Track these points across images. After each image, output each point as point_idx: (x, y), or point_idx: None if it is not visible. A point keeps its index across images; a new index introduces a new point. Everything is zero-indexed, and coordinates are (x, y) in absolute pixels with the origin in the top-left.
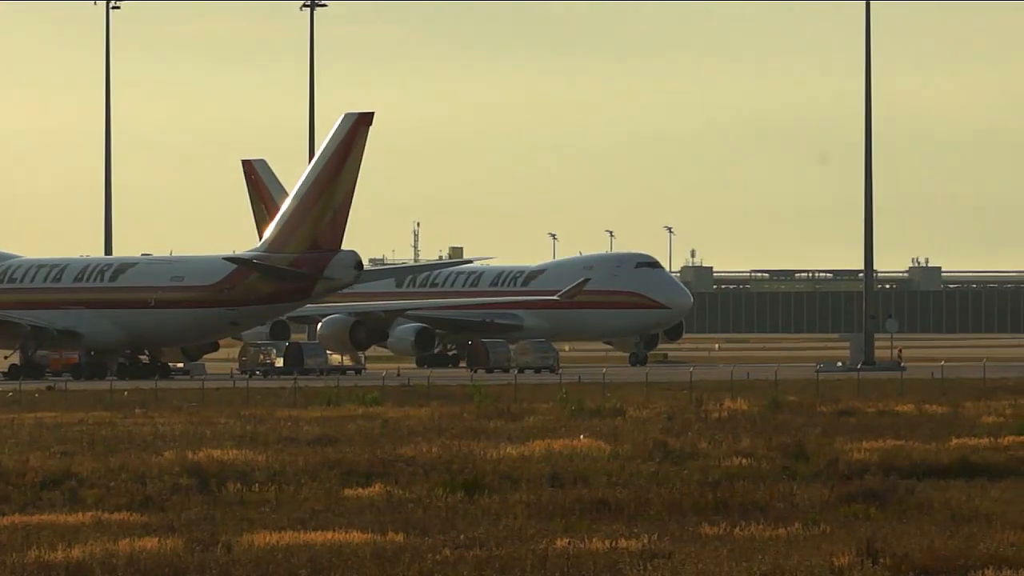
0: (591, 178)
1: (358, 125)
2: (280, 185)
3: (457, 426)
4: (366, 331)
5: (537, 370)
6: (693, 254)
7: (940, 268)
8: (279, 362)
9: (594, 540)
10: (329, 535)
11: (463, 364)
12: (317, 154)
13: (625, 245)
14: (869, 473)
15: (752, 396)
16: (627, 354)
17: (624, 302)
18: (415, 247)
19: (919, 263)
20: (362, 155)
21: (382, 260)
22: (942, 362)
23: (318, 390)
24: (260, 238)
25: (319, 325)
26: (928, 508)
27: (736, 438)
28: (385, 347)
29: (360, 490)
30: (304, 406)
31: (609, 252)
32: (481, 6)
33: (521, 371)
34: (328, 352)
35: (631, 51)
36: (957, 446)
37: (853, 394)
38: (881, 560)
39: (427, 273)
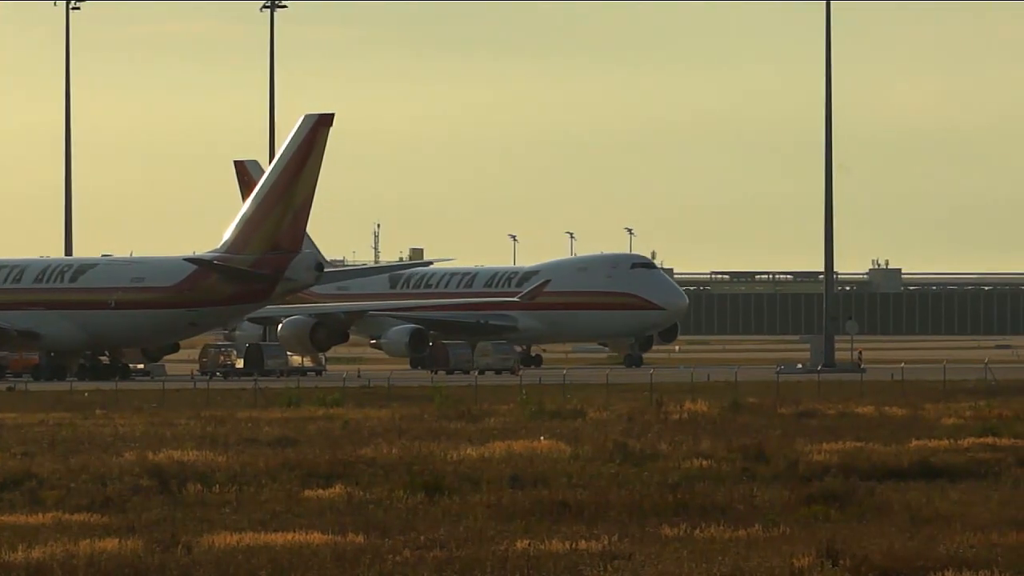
0: (551, 180)
1: (318, 126)
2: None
3: (418, 427)
4: (326, 332)
5: (498, 372)
6: (654, 256)
7: (900, 270)
8: (239, 363)
9: (554, 541)
10: (289, 536)
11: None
12: (277, 155)
13: (586, 247)
14: (829, 475)
15: (712, 398)
16: (622, 355)
17: (619, 303)
18: (376, 248)
19: (879, 265)
20: (322, 156)
21: (343, 261)
22: (902, 364)
23: (278, 391)
24: None
25: (279, 326)
26: (888, 509)
27: (696, 440)
28: (379, 348)
29: (320, 491)
30: (264, 407)
31: (604, 253)
32: (442, 7)
33: (482, 373)
34: (289, 353)
35: (591, 53)
36: (917, 448)
37: (813, 396)
38: (841, 561)
39: (421, 274)
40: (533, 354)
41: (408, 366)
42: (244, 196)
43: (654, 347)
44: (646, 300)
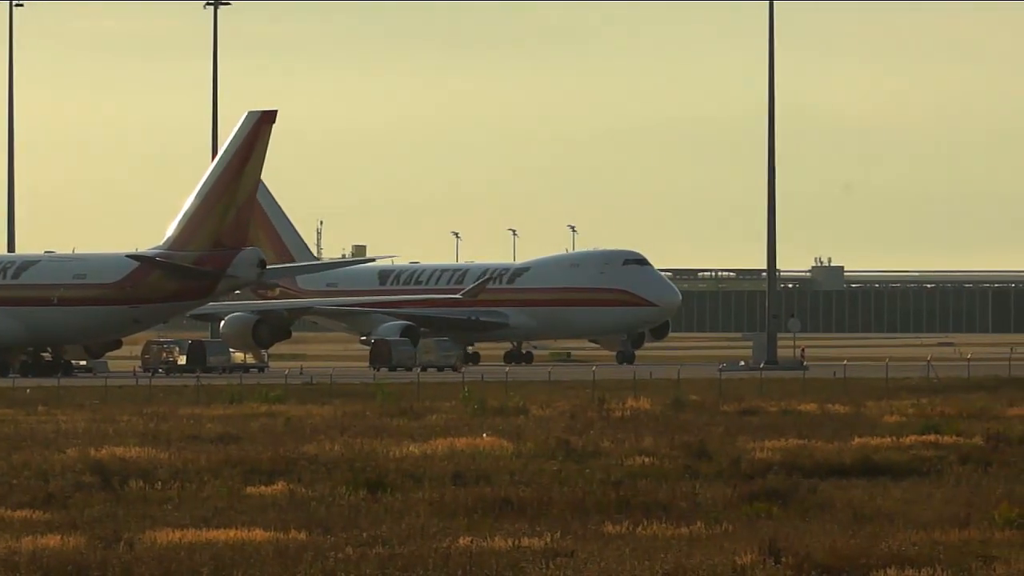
0: (494, 177)
1: (261, 123)
2: (263, 185)
3: (360, 424)
4: (269, 329)
5: (440, 369)
6: None
7: (843, 268)
8: (182, 360)
9: (497, 538)
10: (232, 533)
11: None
12: (220, 152)
13: (528, 244)
14: (772, 472)
15: (655, 395)
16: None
17: (612, 300)
18: (318, 245)
19: (822, 263)
20: (265, 153)
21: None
22: (845, 361)
23: (221, 388)
24: None
25: (222, 323)
26: (830, 507)
27: (639, 437)
28: (369, 345)
29: (263, 488)
30: (207, 404)
31: (596, 249)
32: (385, 5)
33: (424, 370)
34: (231, 350)
35: (534, 51)
36: (859, 445)
37: (756, 393)
38: (783, 559)
39: (411, 270)
40: (524, 351)
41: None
42: None
43: (646, 344)
44: (639, 296)
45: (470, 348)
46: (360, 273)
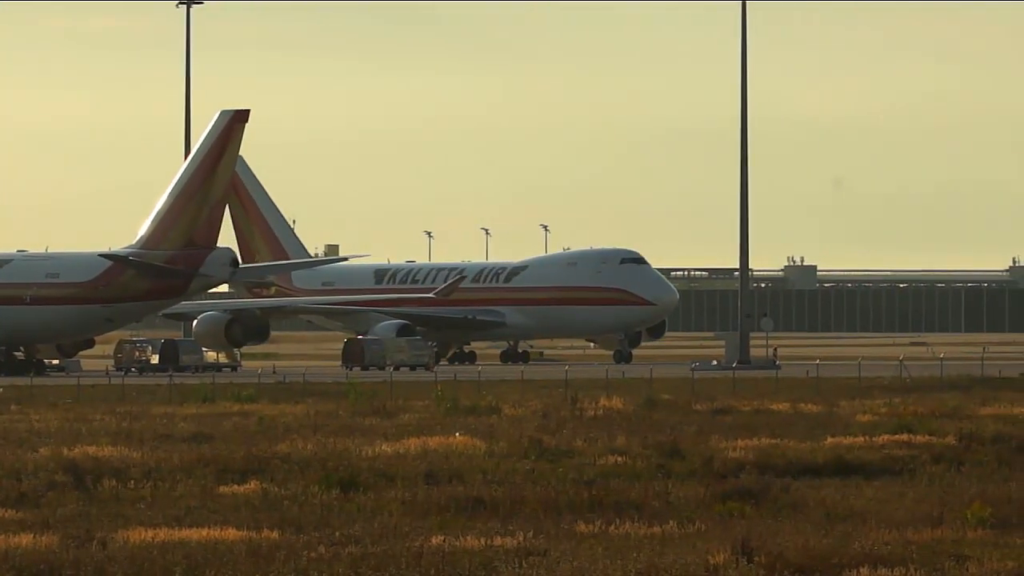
0: (467, 176)
1: (234, 122)
2: (257, 181)
3: (332, 423)
4: (242, 328)
5: (412, 368)
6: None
7: (816, 267)
8: (155, 359)
9: (469, 538)
10: (204, 532)
11: (444, 362)
12: (193, 151)
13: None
14: (744, 471)
15: (627, 394)
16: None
17: (609, 299)
18: None
19: (795, 262)
20: (238, 152)
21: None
22: (817, 361)
23: (193, 387)
24: (236, 234)
25: (195, 322)
26: (803, 506)
27: (611, 436)
28: None
29: (235, 487)
30: (179, 403)
31: (593, 248)
32: (357, 5)
33: (397, 369)
34: (204, 349)
35: (504, 50)
36: (832, 445)
37: (728, 393)
38: (756, 558)
39: (408, 269)
40: (520, 350)
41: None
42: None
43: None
44: (636, 296)
45: (466, 347)
46: (356, 272)
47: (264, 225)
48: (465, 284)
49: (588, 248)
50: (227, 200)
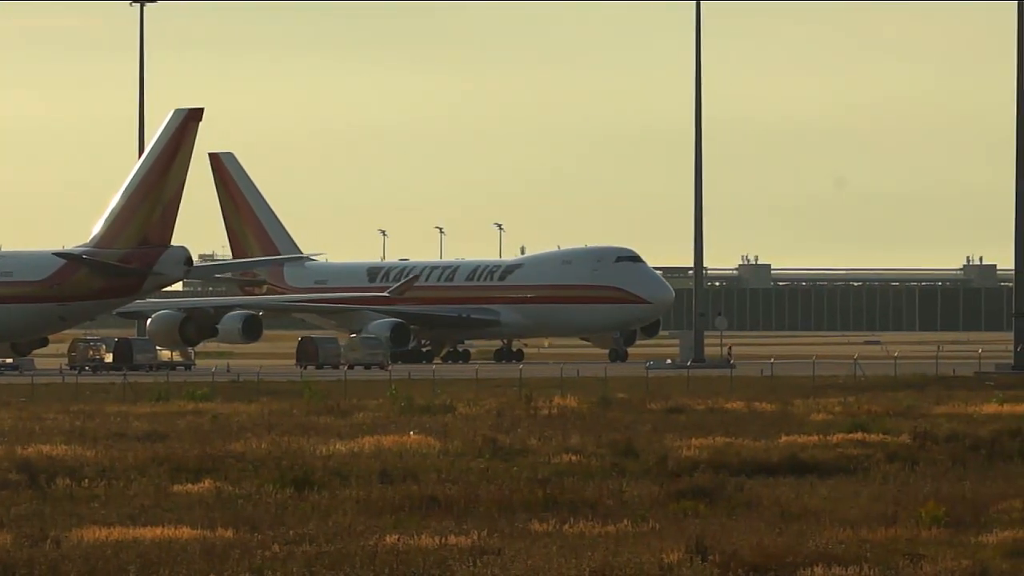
0: (421, 175)
1: (188, 121)
2: (248, 179)
3: (287, 422)
4: (195, 327)
5: (367, 367)
6: (523, 251)
7: (770, 266)
8: (108, 357)
9: (424, 536)
10: (158, 531)
11: (438, 360)
12: (147, 150)
13: (455, 242)
14: (698, 470)
15: (582, 393)
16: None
17: (604, 297)
18: None
19: (749, 261)
20: (192, 151)
21: (212, 256)
22: (772, 360)
23: (148, 386)
24: (227, 232)
25: (148, 321)
26: (757, 505)
27: (566, 435)
28: None
29: (189, 486)
30: (134, 402)
31: (589, 246)
32: (310, 5)
33: (351, 368)
34: (158, 348)
35: (460, 50)
36: (786, 443)
37: (683, 391)
38: (710, 557)
39: (401, 267)
40: (515, 348)
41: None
42: (219, 189)
43: (637, 341)
44: (631, 294)
45: (460, 346)
46: (349, 270)
47: (256, 223)
48: (460, 282)
49: (583, 246)
50: (180, 198)
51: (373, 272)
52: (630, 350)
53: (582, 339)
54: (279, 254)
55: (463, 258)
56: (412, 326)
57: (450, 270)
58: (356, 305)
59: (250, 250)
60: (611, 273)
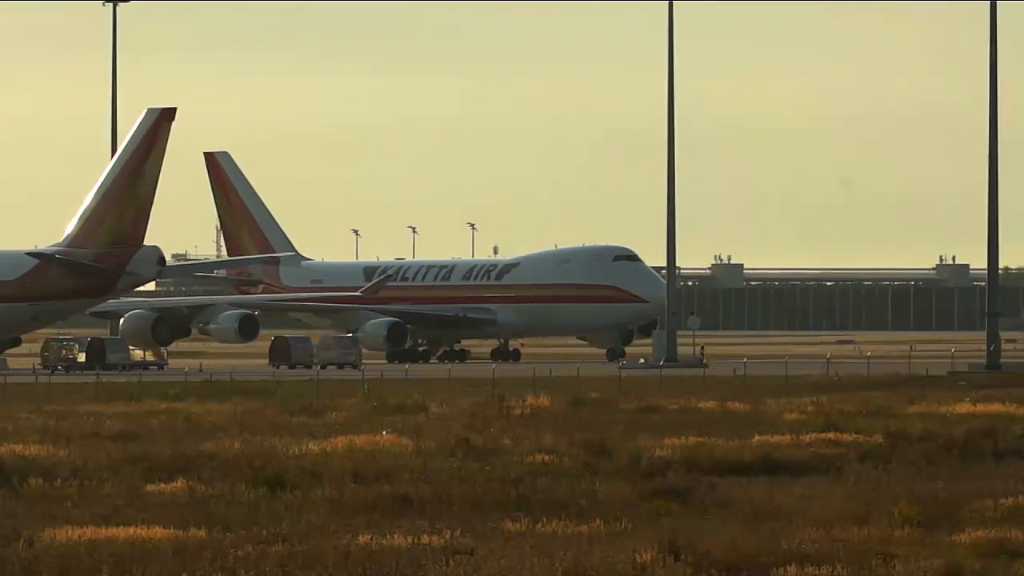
0: (393, 174)
1: (161, 120)
2: (243, 177)
3: (259, 422)
4: (168, 326)
5: (340, 366)
6: (496, 251)
7: (743, 265)
8: (81, 357)
9: (397, 536)
10: (131, 531)
11: (434, 360)
12: (120, 149)
13: (428, 242)
14: (671, 470)
15: (555, 393)
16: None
17: (602, 296)
18: (218, 243)
19: (722, 260)
20: (164, 150)
21: (185, 255)
22: (744, 359)
23: (120, 385)
24: (223, 231)
25: (121, 320)
26: (730, 505)
27: (539, 435)
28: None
29: (162, 485)
30: (106, 401)
31: (586, 245)
32: (281, 5)
33: (324, 367)
34: (131, 347)
35: (431, 50)
36: (759, 443)
37: (655, 391)
38: (683, 557)
39: (397, 267)
40: (511, 348)
41: (385, 360)
42: (214, 188)
43: (635, 341)
44: (629, 293)
45: (457, 345)
46: (345, 269)
47: (250, 221)
48: (456, 281)
49: (580, 245)
50: (153, 198)
51: (369, 271)
52: (627, 349)
53: (579, 338)
54: (274, 253)
55: (459, 257)
56: (409, 325)
57: (446, 269)
58: (345, 304)
59: (245, 249)
60: (608, 272)
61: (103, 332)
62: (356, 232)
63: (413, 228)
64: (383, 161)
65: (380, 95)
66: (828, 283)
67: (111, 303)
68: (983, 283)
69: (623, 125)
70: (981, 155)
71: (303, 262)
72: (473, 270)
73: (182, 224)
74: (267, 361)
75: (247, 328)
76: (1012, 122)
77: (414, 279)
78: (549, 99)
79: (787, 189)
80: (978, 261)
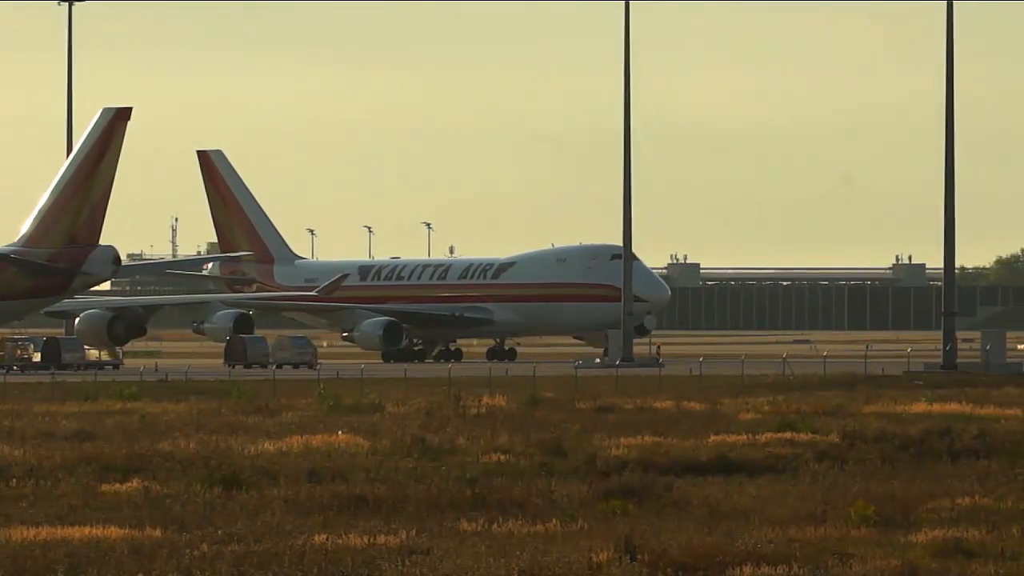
0: (349, 174)
1: (116, 120)
2: (237, 176)
3: (215, 421)
4: (124, 326)
5: (295, 366)
6: (452, 251)
7: (699, 265)
8: (36, 357)
9: (352, 536)
10: (87, 530)
11: (429, 359)
12: (75, 149)
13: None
14: (627, 469)
15: (510, 392)
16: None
17: (599, 295)
18: (173, 242)
19: (678, 260)
20: (120, 150)
21: (140, 255)
22: (701, 359)
23: (76, 385)
24: (216, 229)
25: (77, 320)
26: (686, 504)
27: (494, 434)
28: (351, 341)
29: (118, 485)
30: (62, 401)
31: (583, 244)
32: (236, 5)
33: (279, 367)
34: (86, 347)
35: (387, 48)
36: (715, 443)
37: (612, 391)
38: (639, 556)
39: (393, 266)
40: (507, 347)
41: (381, 359)
42: (207, 186)
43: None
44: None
45: (452, 344)
46: (341, 269)
47: (244, 220)
48: (453, 280)
49: (577, 244)
50: (108, 197)
51: (364, 270)
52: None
53: (575, 338)
54: (272, 256)
55: (456, 256)
56: (405, 324)
57: (442, 268)
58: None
59: (238, 247)
60: (606, 271)
61: (58, 332)
62: (312, 232)
63: (369, 228)
64: (340, 160)
65: (338, 94)
66: (784, 283)
67: (66, 302)
68: (939, 283)
69: (581, 124)
70: (938, 154)
71: (297, 261)
72: (469, 269)
73: (138, 222)
74: (222, 361)
75: (242, 328)
76: (968, 121)
77: (410, 278)
78: (506, 98)
79: (743, 189)
80: (934, 261)
